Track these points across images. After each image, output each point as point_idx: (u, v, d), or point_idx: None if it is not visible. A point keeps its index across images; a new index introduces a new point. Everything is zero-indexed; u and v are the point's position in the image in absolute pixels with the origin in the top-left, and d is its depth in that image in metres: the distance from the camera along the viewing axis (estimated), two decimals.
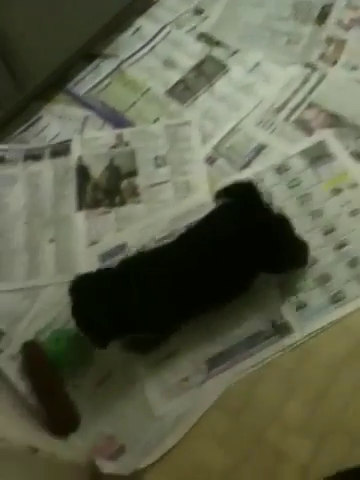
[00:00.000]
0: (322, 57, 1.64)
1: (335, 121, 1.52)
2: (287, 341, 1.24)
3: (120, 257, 1.37)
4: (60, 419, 1.19)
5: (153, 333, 1.23)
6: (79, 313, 1.12)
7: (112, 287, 1.13)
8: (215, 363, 1.24)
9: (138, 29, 1.78)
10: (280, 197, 1.41)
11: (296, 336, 1.24)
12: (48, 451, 0.94)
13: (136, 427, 1.19)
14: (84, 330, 1.12)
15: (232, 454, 1.15)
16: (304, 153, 1.47)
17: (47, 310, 1.33)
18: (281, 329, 1.25)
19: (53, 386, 1.22)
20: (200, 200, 1.43)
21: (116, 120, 1.61)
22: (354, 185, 1.41)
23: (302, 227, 1.35)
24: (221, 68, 1.67)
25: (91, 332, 1.11)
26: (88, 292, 1.13)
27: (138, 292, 1.13)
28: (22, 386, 1.24)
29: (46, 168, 1.55)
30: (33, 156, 1.57)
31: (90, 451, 1.17)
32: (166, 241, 1.30)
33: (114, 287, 1.13)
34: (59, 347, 1.25)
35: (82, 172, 1.53)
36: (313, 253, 1.31)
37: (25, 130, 1.63)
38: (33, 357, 1.26)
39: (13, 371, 1.26)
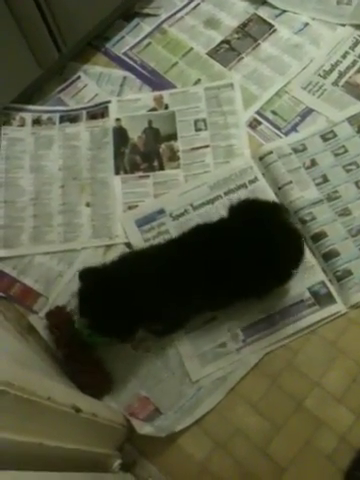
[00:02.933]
0: None
1: None
2: (328, 311, 1.22)
3: (158, 222, 1.37)
4: (90, 382, 1.19)
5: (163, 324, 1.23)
6: (95, 318, 1.10)
7: (120, 286, 1.08)
8: (253, 330, 1.23)
9: None
10: (325, 165, 1.36)
11: (338, 306, 1.22)
12: (90, 411, 0.94)
13: (171, 391, 1.20)
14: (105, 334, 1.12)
15: (269, 420, 1.16)
16: (353, 119, 1.41)
17: None
18: (323, 299, 1.23)
19: (79, 352, 1.22)
20: (242, 166, 1.40)
21: (155, 81, 1.57)
22: None
23: (348, 197, 1.32)
24: (267, 29, 1.61)
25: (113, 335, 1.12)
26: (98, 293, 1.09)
27: (144, 290, 1.09)
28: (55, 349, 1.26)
29: (83, 130, 1.52)
30: (70, 118, 1.54)
31: (126, 412, 1.18)
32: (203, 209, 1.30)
33: (122, 286, 1.09)
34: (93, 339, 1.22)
35: (120, 135, 1.50)
36: None
37: (62, 91, 1.59)
38: (58, 325, 1.26)
39: (47, 333, 1.27)
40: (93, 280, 1.11)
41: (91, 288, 1.11)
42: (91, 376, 1.20)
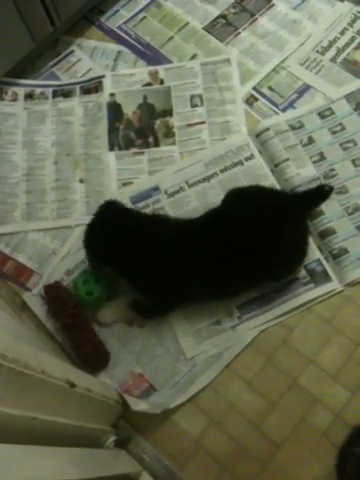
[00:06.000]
0: None
1: None
2: (324, 289, 1.22)
3: (153, 200, 1.35)
4: (87, 356, 1.19)
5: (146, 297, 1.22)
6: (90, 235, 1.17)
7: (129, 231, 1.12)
8: (248, 308, 1.22)
9: None
10: (322, 143, 1.35)
11: (334, 284, 1.22)
12: (84, 386, 0.93)
13: (166, 367, 1.20)
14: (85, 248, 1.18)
15: (264, 397, 1.16)
16: (351, 96, 1.40)
17: (77, 250, 1.31)
18: (318, 277, 1.23)
19: (79, 325, 1.21)
20: (238, 143, 1.38)
21: (151, 56, 1.54)
22: None
23: (344, 175, 1.31)
24: (265, 3, 1.58)
25: (89, 255, 1.19)
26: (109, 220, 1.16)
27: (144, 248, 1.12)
28: (49, 324, 1.25)
29: (77, 105, 1.49)
30: (63, 92, 1.52)
31: (121, 389, 1.17)
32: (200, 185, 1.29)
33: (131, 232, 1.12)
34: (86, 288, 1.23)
35: (114, 110, 1.48)
36: (357, 200, 1.27)
37: (55, 65, 1.56)
38: (57, 297, 1.24)
39: (41, 310, 1.26)
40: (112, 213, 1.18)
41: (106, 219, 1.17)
42: (93, 346, 1.20)
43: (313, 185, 1.30)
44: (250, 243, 1.10)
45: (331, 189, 1.27)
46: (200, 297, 1.22)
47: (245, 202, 1.18)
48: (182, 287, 1.16)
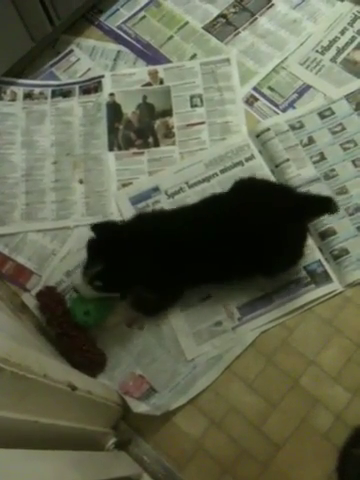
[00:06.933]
0: None
1: None
2: (324, 290, 1.22)
3: (153, 200, 1.34)
4: (82, 361, 1.18)
5: (153, 292, 1.21)
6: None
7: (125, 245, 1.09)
8: (249, 309, 1.22)
9: None
10: (322, 143, 1.35)
11: (335, 285, 1.22)
12: (85, 389, 0.93)
13: (166, 369, 1.19)
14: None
15: (264, 398, 1.15)
16: (351, 96, 1.39)
17: (76, 251, 1.31)
18: (319, 278, 1.23)
19: (68, 332, 1.20)
20: (238, 143, 1.37)
21: (150, 56, 1.53)
22: None
23: (345, 175, 1.31)
24: (265, 3, 1.58)
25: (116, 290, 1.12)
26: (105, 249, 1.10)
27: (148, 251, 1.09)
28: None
29: (76, 105, 1.49)
30: (62, 92, 1.51)
31: (121, 391, 1.17)
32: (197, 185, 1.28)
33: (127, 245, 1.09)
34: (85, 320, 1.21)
35: (113, 110, 1.47)
36: (357, 201, 1.27)
37: (55, 64, 1.55)
38: (46, 306, 1.24)
39: (39, 311, 1.26)
40: (104, 233, 1.12)
41: (101, 240, 1.11)
42: (84, 354, 1.19)
43: (313, 186, 1.30)
44: (249, 233, 1.09)
45: (337, 209, 1.15)
46: (198, 280, 1.21)
47: (251, 193, 1.17)
48: (184, 270, 1.14)
